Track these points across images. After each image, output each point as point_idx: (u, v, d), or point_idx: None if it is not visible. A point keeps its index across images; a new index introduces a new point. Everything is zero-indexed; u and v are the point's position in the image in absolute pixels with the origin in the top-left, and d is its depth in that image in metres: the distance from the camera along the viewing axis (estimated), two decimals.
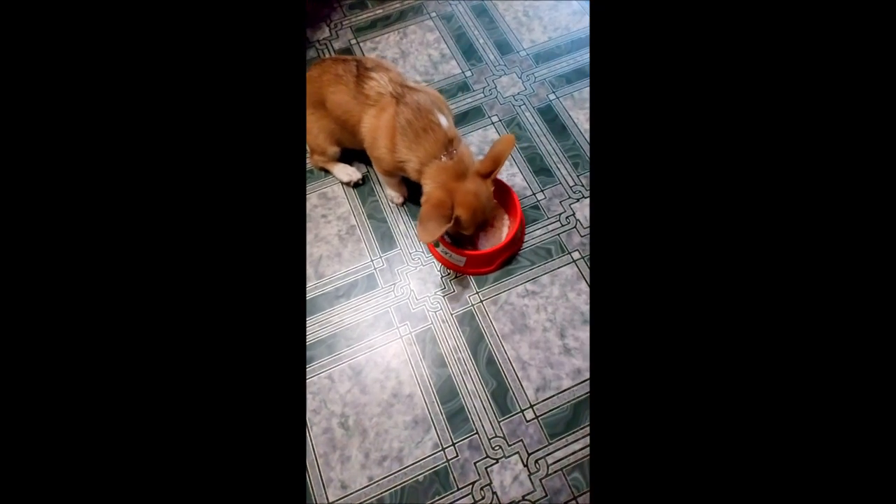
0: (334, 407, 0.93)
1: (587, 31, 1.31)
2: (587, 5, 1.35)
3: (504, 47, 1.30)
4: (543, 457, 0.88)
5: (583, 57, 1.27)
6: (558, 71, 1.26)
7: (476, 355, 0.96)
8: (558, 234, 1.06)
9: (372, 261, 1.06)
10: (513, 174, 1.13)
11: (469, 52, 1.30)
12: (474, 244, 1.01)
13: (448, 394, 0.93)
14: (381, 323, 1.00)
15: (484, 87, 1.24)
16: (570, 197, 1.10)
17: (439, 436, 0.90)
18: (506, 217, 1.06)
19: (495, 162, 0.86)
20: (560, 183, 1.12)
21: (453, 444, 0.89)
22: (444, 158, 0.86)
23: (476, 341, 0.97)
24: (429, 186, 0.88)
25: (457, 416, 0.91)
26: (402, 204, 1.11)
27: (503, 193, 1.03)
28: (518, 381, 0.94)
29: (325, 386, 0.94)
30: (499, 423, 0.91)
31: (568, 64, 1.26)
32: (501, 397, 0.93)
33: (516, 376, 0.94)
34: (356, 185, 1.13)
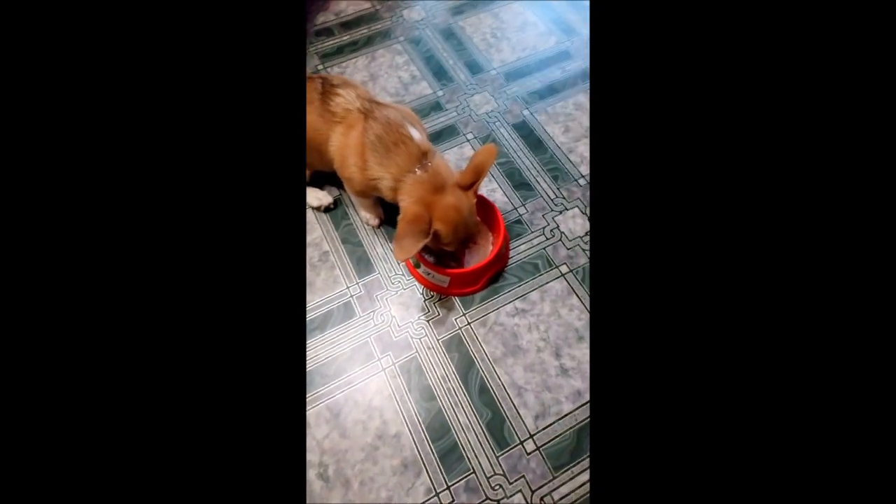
0: (311, 456, 0.81)
1: (555, 50, 1.33)
2: (553, 27, 1.38)
3: (474, 67, 1.30)
4: (549, 493, 0.79)
5: (553, 74, 1.28)
6: (530, 88, 1.26)
7: (467, 384, 0.88)
8: (544, 248, 1.02)
9: (348, 287, 0.98)
10: (493, 189, 1.09)
11: (439, 72, 1.29)
12: (459, 262, 0.94)
13: (439, 430, 0.84)
14: (361, 355, 0.91)
15: (457, 106, 1.23)
16: (552, 210, 1.07)
17: (432, 479, 0.80)
18: (489, 234, 1.01)
19: (477, 173, 0.82)
20: (541, 196, 1.09)
21: (448, 488, 0.79)
22: (418, 172, 0.81)
23: (466, 368, 0.89)
24: (405, 202, 0.83)
25: (450, 455, 0.82)
26: (379, 226, 1.04)
27: (485, 209, 0.98)
28: (515, 409, 0.86)
29: None
30: (497, 458, 0.82)
31: (539, 81, 1.27)
32: (498, 429, 0.84)
33: (512, 404, 0.86)
34: (328, 210, 1.07)
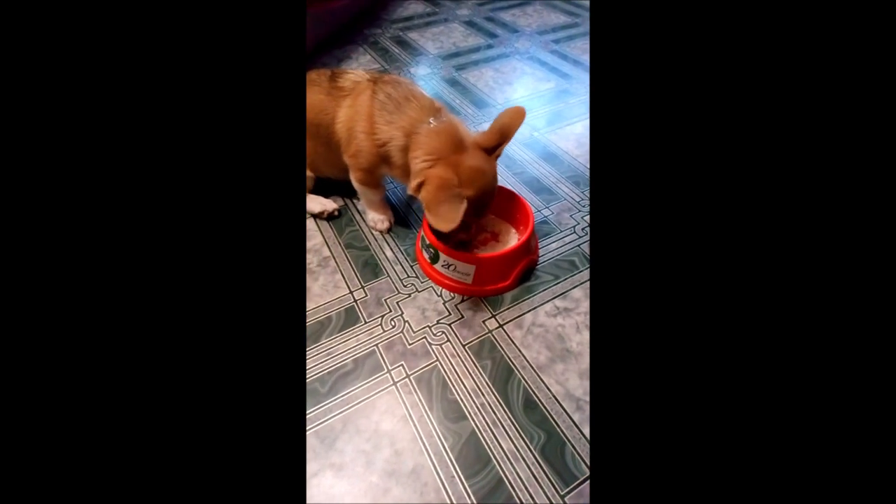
0: None
1: (555, 90, 1.39)
2: (551, 74, 1.47)
3: (480, 104, 1.33)
4: None
5: (557, 107, 1.31)
6: (537, 117, 1.27)
7: (507, 398, 0.66)
8: (579, 246, 0.89)
9: (351, 292, 0.81)
10: None
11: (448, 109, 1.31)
12: (468, 242, 0.79)
13: (475, 461, 0.60)
14: (365, 367, 0.70)
15: None
16: (579, 210, 0.97)
17: None
18: (511, 229, 0.89)
19: (502, 134, 0.74)
20: (565, 199, 1.00)
21: None
22: (432, 123, 0.72)
23: (504, 378, 0.68)
24: (419, 161, 0.70)
25: (494, 497, 0.56)
26: (389, 230, 0.92)
27: (508, 201, 0.88)
28: (575, 427, 0.63)
29: None
30: (562, 498, 0.56)
31: (544, 112, 1.29)
32: (556, 456, 0.60)
33: (571, 421, 0.63)
34: (331, 218, 0.95)
